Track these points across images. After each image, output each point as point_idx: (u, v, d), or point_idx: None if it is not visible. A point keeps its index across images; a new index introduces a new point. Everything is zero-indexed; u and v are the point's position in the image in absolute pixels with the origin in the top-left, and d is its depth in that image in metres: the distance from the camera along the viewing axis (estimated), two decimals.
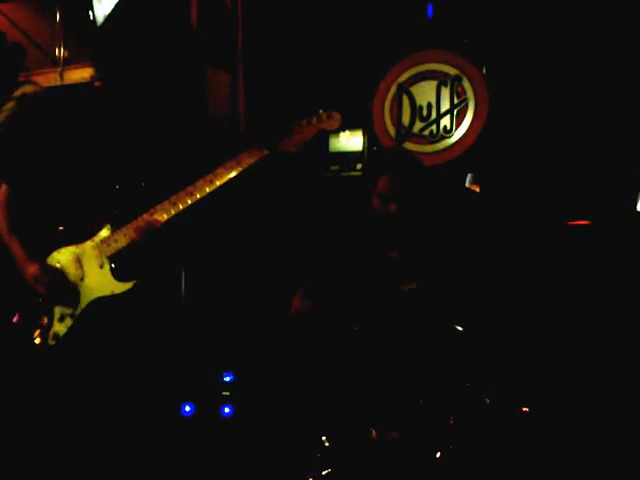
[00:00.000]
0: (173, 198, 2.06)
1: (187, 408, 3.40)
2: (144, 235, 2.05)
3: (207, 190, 2.06)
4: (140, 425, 2.28)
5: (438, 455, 2.46)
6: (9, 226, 2.12)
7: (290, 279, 3.04)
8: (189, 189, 2.06)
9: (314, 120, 2.10)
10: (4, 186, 2.16)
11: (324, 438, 2.56)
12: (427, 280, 2.70)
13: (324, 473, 2.51)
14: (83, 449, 2.14)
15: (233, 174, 2.06)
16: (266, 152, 2.07)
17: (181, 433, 3.25)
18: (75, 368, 2.13)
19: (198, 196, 2.06)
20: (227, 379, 3.63)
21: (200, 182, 2.06)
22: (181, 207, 2.06)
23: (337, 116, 2.12)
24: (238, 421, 3.41)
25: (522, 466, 2.56)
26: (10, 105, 2.16)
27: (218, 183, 2.06)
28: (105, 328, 2.15)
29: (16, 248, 2.10)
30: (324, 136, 4.26)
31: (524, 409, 2.63)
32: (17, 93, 2.18)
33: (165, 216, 2.06)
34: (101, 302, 2.11)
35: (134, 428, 2.26)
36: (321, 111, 2.12)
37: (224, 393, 3.53)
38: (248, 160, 2.06)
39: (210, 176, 2.06)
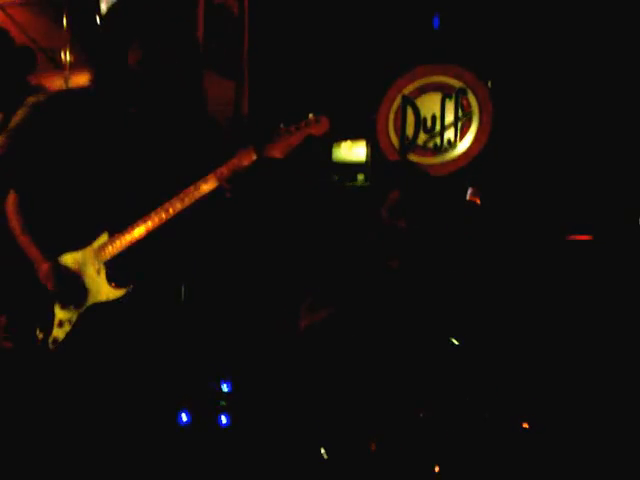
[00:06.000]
0: (166, 204, 2.05)
1: (184, 417, 3.38)
2: (140, 241, 2.05)
3: (197, 195, 2.05)
4: (136, 433, 2.27)
5: (437, 469, 2.44)
6: (22, 228, 2.14)
7: (290, 288, 3.02)
8: (180, 195, 2.05)
9: (302, 125, 2.04)
10: (13, 193, 2.17)
11: (323, 450, 2.55)
12: (425, 289, 2.70)
13: None
14: (78, 457, 2.12)
15: (224, 178, 2.04)
16: (254, 157, 2.03)
17: (177, 442, 3.22)
18: (71, 375, 2.13)
19: (187, 201, 2.04)
20: (224, 388, 3.61)
21: (191, 188, 2.05)
22: (172, 212, 2.04)
23: (324, 120, 2.01)
24: (235, 431, 3.39)
25: None
26: (22, 111, 2.13)
27: (206, 188, 2.04)
28: (101, 335, 2.15)
29: (31, 248, 2.12)
30: (328, 146, 4.26)
31: (524, 425, 2.61)
32: (30, 100, 2.15)
33: (157, 221, 2.04)
34: (97, 309, 2.11)
35: (130, 436, 2.24)
36: (311, 115, 2.06)
37: (221, 402, 3.52)
38: (236, 165, 2.03)
39: (200, 181, 2.05)
